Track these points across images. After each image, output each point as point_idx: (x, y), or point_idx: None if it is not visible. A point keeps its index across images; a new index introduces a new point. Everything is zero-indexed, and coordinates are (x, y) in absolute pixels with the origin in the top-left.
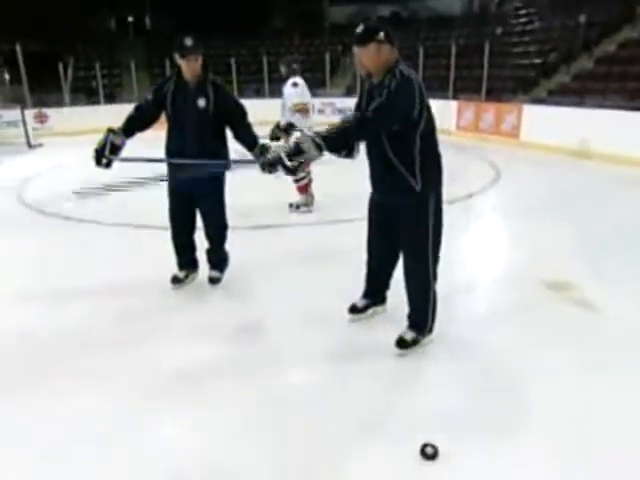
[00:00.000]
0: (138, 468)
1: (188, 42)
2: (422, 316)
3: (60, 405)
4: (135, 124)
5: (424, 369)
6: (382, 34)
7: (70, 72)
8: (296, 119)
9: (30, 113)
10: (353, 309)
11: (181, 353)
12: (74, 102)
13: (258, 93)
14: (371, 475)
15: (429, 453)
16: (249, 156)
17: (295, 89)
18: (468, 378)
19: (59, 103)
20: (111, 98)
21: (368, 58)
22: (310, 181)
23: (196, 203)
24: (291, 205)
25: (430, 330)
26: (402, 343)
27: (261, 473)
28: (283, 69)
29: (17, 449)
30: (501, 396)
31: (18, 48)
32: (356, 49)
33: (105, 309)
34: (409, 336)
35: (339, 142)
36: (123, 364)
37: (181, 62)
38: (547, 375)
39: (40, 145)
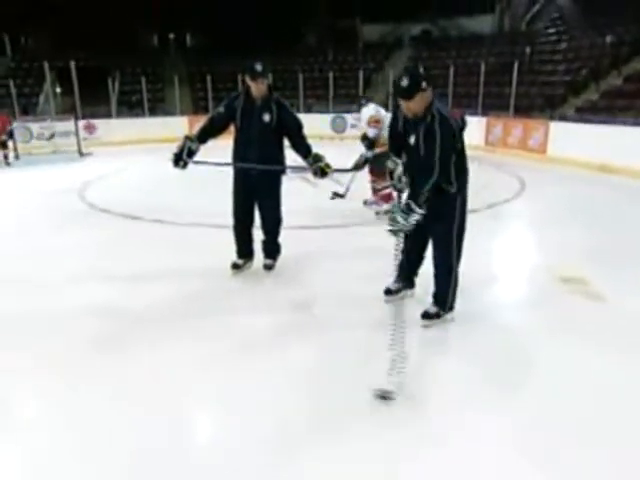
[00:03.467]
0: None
1: (258, 67)
2: (444, 294)
3: (154, 359)
4: (208, 133)
5: (445, 340)
6: (424, 84)
7: (117, 86)
8: (371, 130)
9: (80, 124)
10: (387, 292)
11: (242, 324)
12: (121, 115)
13: (292, 107)
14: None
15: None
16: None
17: (368, 108)
18: (482, 350)
19: (106, 115)
20: (154, 111)
21: (415, 106)
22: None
23: (256, 200)
24: (377, 213)
25: (451, 308)
26: (426, 315)
27: (319, 418)
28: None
29: (117, 401)
30: (510, 366)
31: (72, 65)
32: (402, 101)
33: (175, 290)
34: (433, 310)
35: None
36: (189, 330)
37: (251, 83)
38: (553, 352)
39: (90, 154)
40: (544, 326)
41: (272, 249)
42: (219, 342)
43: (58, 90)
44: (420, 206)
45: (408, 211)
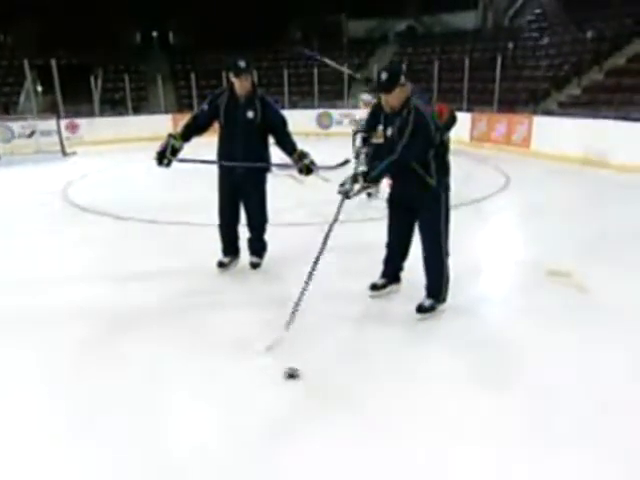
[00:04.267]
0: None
1: (242, 64)
2: (437, 287)
3: (134, 356)
4: (192, 130)
5: (433, 333)
6: (403, 78)
7: (99, 84)
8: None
9: (62, 123)
10: (373, 287)
11: (227, 321)
12: (104, 113)
13: (277, 104)
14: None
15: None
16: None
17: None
18: (470, 343)
19: (89, 114)
20: (137, 110)
21: (394, 99)
22: None
23: (241, 198)
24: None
25: (444, 299)
26: (421, 308)
27: (300, 412)
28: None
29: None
30: (498, 354)
31: (53, 62)
32: (383, 95)
33: (162, 289)
34: (427, 303)
35: (381, 178)
36: (178, 328)
37: (234, 80)
38: (540, 344)
39: (74, 153)
40: (531, 320)
41: (258, 247)
42: (209, 340)
43: (39, 89)
44: (368, 180)
45: (355, 179)
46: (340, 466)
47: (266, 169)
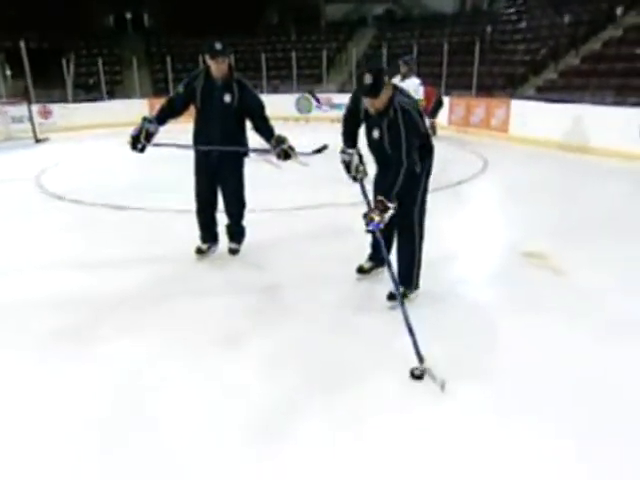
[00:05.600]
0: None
1: (218, 46)
2: (409, 274)
3: (108, 350)
4: (167, 114)
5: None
6: (386, 78)
7: (72, 68)
8: None
9: (34, 108)
10: (360, 270)
11: (207, 308)
12: (78, 98)
13: (255, 88)
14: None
15: (416, 374)
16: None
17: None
18: (449, 329)
19: (62, 99)
20: (112, 94)
21: (379, 103)
22: None
23: (219, 183)
24: None
25: (416, 286)
26: (392, 296)
27: (282, 403)
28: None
29: (58, 391)
30: (476, 340)
31: (22, 44)
32: (366, 99)
33: (139, 276)
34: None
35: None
36: (157, 317)
37: (211, 63)
38: (517, 327)
39: (47, 139)
40: (507, 302)
41: (236, 232)
42: (188, 329)
43: (8, 73)
44: (392, 200)
45: (384, 208)
46: (337, 462)
47: (244, 153)
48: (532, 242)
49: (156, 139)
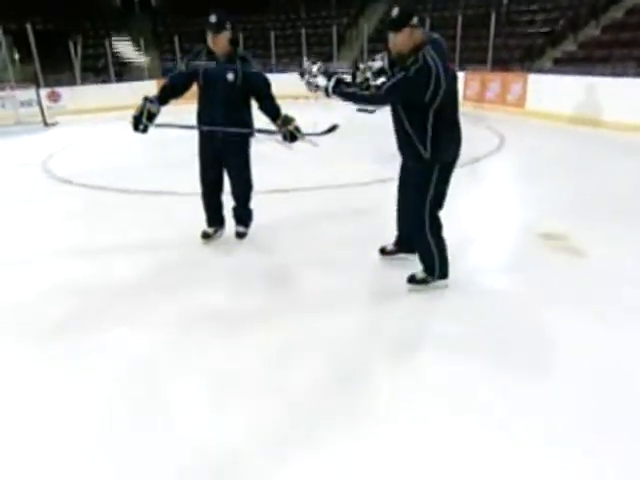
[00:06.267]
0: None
1: (212, 19)
2: (429, 261)
3: (103, 344)
4: (169, 93)
5: (431, 308)
6: (415, 19)
7: (79, 50)
8: None
9: (43, 92)
10: (382, 250)
11: (212, 296)
12: (86, 81)
13: (265, 68)
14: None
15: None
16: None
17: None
18: (469, 319)
19: (70, 82)
20: (120, 76)
21: (402, 42)
22: None
23: (224, 165)
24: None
25: (444, 275)
26: (411, 279)
27: (295, 397)
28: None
29: (63, 385)
30: (500, 333)
31: (28, 27)
32: (390, 33)
33: (142, 263)
34: (419, 275)
35: (346, 98)
36: (160, 306)
37: (208, 38)
38: (541, 316)
39: (56, 123)
40: (527, 288)
41: (243, 215)
42: (193, 318)
43: (16, 57)
44: (333, 87)
45: (321, 78)
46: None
47: (249, 134)
48: (551, 222)
49: (159, 119)
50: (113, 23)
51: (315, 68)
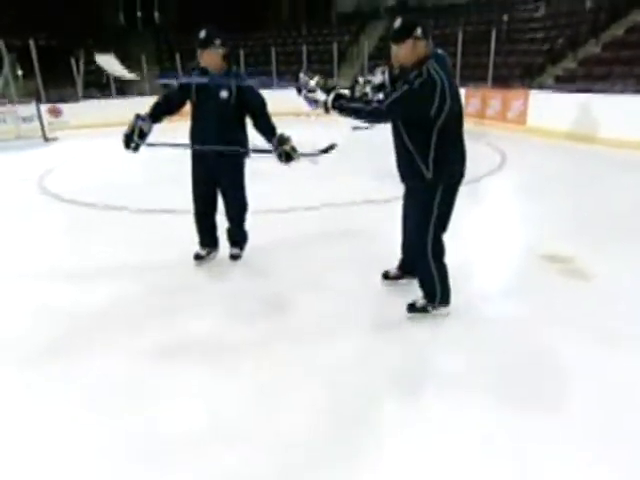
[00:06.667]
0: (158, 430)
1: (202, 34)
2: (431, 288)
3: (88, 372)
4: (161, 111)
5: (433, 338)
6: (419, 30)
7: (82, 66)
8: None
9: (44, 108)
10: (385, 275)
11: (206, 326)
12: (86, 96)
13: (265, 84)
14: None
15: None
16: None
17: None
18: (475, 349)
19: (72, 97)
20: (122, 92)
21: (404, 54)
22: None
23: (218, 185)
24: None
25: (445, 302)
26: (411, 307)
27: (292, 437)
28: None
29: (45, 414)
30: (506, 361)
31: (31, 43)
32: (392, 45)
33: (132, 286)
34: (419, 303)
35: (346, 113)
36: (145, 334)
37: (198, 54)
38: (548, 345)
39: (56, 139)
40: (532, 313)
41: (238, 237)
42: (184, 346)
43: (20, 72)
44: (334, 105)
45: (320, 92)
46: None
47: (244, 153)
48: (554, 243)
49: (154, 137)
50: (116, 39)
51: (313, 82)
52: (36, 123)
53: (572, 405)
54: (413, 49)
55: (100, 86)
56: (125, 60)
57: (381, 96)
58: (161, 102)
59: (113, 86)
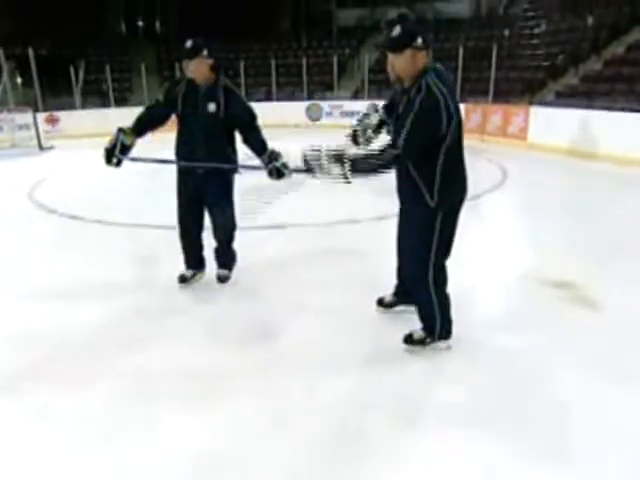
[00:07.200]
0: (143, 468)
1: (188, 44)
2: (430, 319)
3: (64, 404)
4: (145, 124)
5: (439, 369)
6: (419, 40)
7: (81, 75)
8: None
9: (41, 116)
10: (380, 302)
11: (191, 354)
12: (85, 105)
13: (269, 95)
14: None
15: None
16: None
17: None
18: (477, 389)
19: (70, 106)
20: (121, 101)
21: (401, 65)
22: None
23: (205, 203)
24: None
25: (446, 334)
26: (408, 339)
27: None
28: None
29: (20, 445)
30: (510, 396)
31: (30, 52)
32: (389, 54)
33: (113, 309)
34: (417, 335)
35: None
36: (130, 366)
37: (184, 64)
38: (550, 374)
39: (51, 147)
40: (537, 346)
41: (226, 258)
42: (165, 378)
43: (19, 80)
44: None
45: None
46: None
47: (233, 170)
48: (562, 268)
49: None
50: (117, 48)
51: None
52: (32, 131)
53: (574, 440)
54: (412, 60)
55: (102, 94)
56: (125, 70)
57: (385, 136)
58: (144, 115)
59: (112, 96)
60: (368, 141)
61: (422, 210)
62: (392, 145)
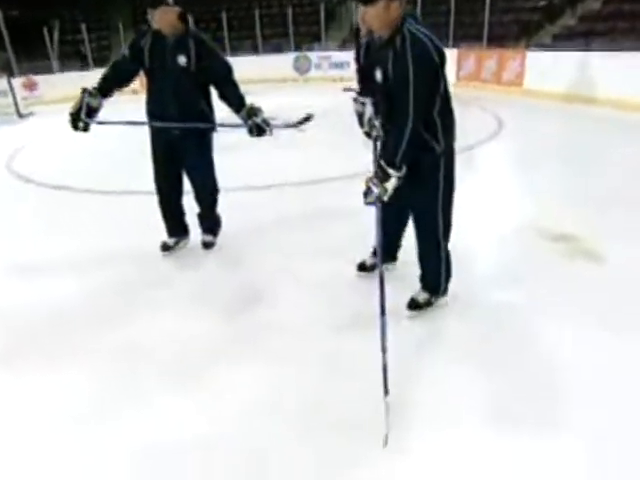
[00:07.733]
0: (117, 448)
1: None
2: (435, 278)
3: (41, 383)
4: (111, 83)
5: (435, 333)
6: None
7: (56, 37)
8: None
9: (17, 82)
10: (361, 267)
11: (175, 325)
12: (63, 69)
13: (254, 49)
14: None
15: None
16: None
17: None
18: (479, 345)
19: (48, 70)
20: (101, 62)
21: (374, 17)
22: None
23: (182, 166)
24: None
25: (445, 291)
26: (414, 305)
27: (270, 445)
28: None
29: (6, 423)
30: (509, 349)
31: None
32: (362, 7)
33: (93, 280)
34: (422, 297)
35: (408, 154)
36: (116, 339)
37: (149, 16)
38: (549, 327)
39: (31, 114)
40: (543, 302)
41: (210, 222)
42: (151, 351)
43: None
44: (397, 167)
45: (383, 176)
46: None
47: (210, 128)
48: (561, 221)
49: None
50: (91, 7)
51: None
52: (8, 99)
53: (574, 392)
54: (385, 11)
55: (81, 57)
56: (101, 30)
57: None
58: (110, 73)
59: (90, 57)
60: (375, 128)
61: (429, 159)
62: (404, 123)
